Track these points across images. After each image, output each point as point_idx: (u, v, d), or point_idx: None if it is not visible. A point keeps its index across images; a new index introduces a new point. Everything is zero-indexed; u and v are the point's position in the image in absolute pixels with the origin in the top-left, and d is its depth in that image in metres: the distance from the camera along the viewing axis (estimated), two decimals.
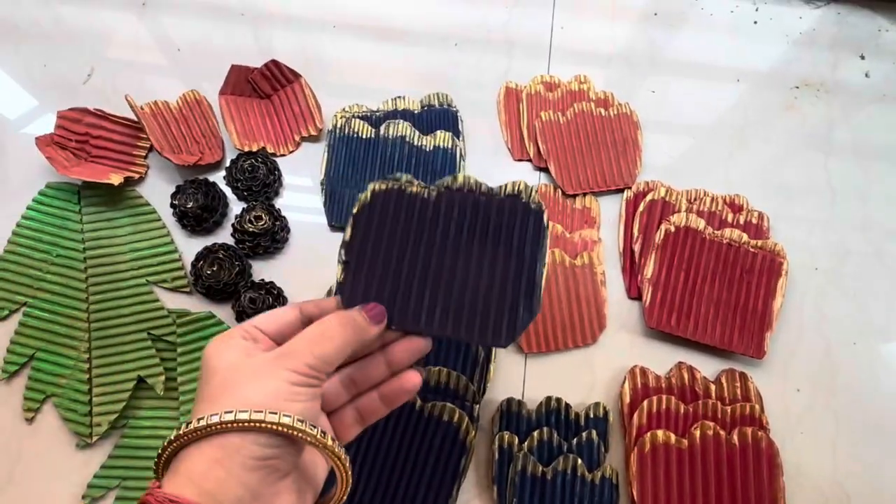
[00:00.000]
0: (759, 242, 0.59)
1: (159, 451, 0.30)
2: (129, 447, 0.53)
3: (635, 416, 0.52)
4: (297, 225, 0.61)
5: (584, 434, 0.52)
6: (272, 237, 0.58)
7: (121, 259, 0.58)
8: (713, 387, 0.54)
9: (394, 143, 0.63)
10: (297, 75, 0.65)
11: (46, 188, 0.60)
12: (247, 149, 0.62)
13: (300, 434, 0.30)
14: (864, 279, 0.60)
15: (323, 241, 0.60)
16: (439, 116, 0.65)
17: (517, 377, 0.56)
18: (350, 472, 0.33)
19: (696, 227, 0.59)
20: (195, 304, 0.57)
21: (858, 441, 0.54)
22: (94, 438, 0.52)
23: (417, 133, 0.63)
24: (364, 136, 0.63)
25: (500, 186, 0.41)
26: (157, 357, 0.55)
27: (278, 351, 0.32)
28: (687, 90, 0.69)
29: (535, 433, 0.51)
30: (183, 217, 0.58)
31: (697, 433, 0.51)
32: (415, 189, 0.42)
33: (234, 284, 0.56)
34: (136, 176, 0.61)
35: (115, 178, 0.58)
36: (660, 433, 0.51)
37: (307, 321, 0.36)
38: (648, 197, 0.61)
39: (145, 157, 0.63)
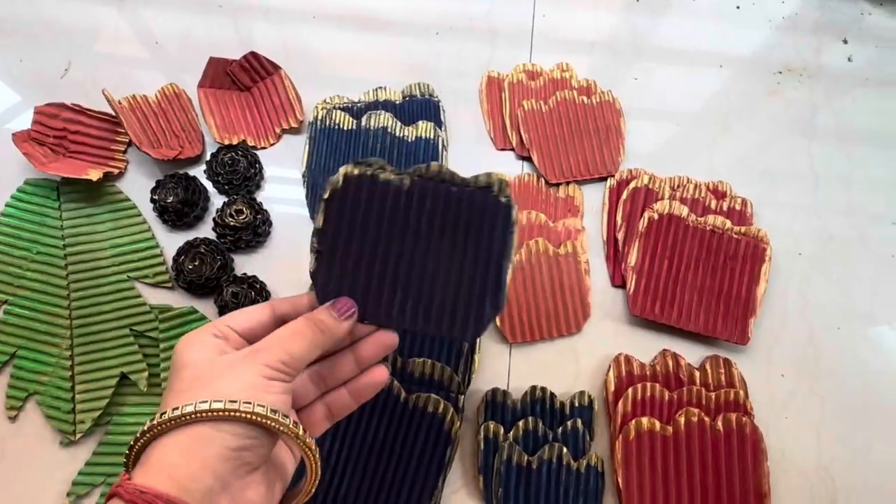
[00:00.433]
0: (743, 229, 0.59)
1: (130, 443, 0.30)
2: (113, 444, 0.52)
3: (620, 403, 0.52)
4: (280, 218, 0.60)
5: (569, 423, 0.51)
6: (254, 231, 0.57)
7: (101, 255, 0.57)
8: (697, 373, 0.54)
9: (375, 134, 0.63)
10: (276, 67, 0.64)
11: (25, 185, 0.59)
12: (227, 142, 0.61)
13: (274, 424, 0.30)
14: (847, 264, 0.60)
15: (306, 233, 0.57)
16: (421, 106, 0.64)
17: (502, 367, 0.55)
18: (320, 465, 0.33)
19: (680, 214, 0.59)
20: (177, 300, 0.57)
21: (843, 426, 0.54)
22: (78, 436, 0.52)
23: (399, 123, 0.62)
24: (345, 128, 0.63)
25: (474, 177, 0.41)
26: (140, 353, 0.54)
27: (251, 348, 0.33)
28: (670, 77, 0.69)
29: (521, 423, 0.51)
30: (163, 212, 0.58)
31: (682, 420, 0.51)
32: (388, 176, 0.40)
33: (216, 279, 0.55)
34: (116, 171, 0.60)
35: (94, 174, 0.57)
36: (644, 420, 0.51)
37: (280, 321, 0.36)
38: (631, 185, 0.61)
39: (124, 152, 0.62)
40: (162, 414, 0.29)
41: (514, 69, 0.68)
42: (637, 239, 0.58)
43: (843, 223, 0.62)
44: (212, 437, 0.29)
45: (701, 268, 0.58)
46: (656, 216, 0.59)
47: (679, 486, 0.50)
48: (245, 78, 0.64)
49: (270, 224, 0.60)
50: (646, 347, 0.56)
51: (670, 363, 0.55)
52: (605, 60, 0.69)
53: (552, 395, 0.53)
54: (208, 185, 0.61)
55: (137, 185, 0.60)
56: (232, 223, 0.56)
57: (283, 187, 0.62)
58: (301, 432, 0.31)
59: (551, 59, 0.69)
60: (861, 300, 0.59)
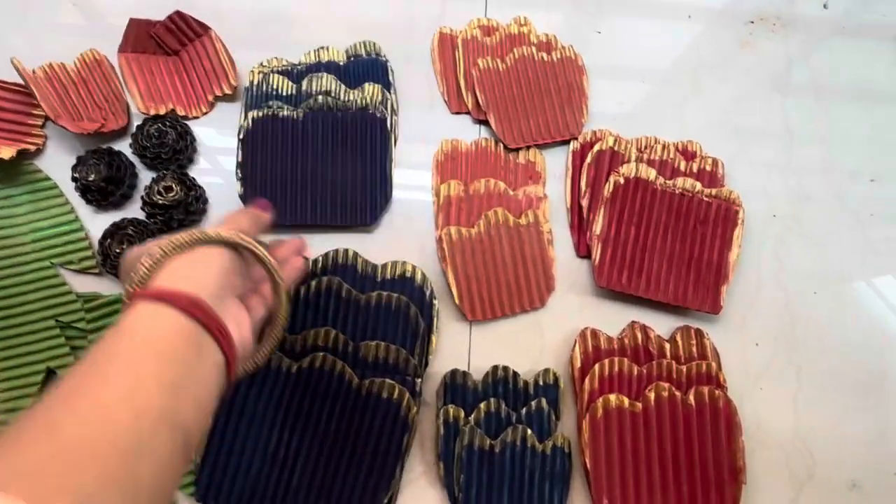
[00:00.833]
0: (714, 191, 0.55)
1: (145, 267, 0.33)
2: None
3: (587, 380, 0.50)
4: (216, 194, 0.56)
5: (533, 403, 0.49)
6: (186, 209, 0.53)
7: (21, 240, 0.53)
8: (668, 346, 0.52)
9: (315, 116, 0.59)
10: (205, 28, 0.59)
11: None
12: (153, 112, 0.57)
13: (247, 244, 0.36)
14: (824, 224, 0.57)
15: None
16: (367, 67, 0.60)
17: (462, 347, 0.52)
18: (285, 285, 0.39)
19: (647, 177, 0.55)
20: (106, 287, 0.53)
21: (820, 395, 0.52)
22: None
23: (343, 87, 0.58)
24: (284, 93, 0.58)
25: (352, 101, 0.56)
26: (68, 346, 0.50)
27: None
28: (636, 30, 0.65)
29: (482, 405, 0.48)
30: (86, 191, 0.53)
31: (652, 395, 0.49)
32: (285, 112, 0.56)
33: None
34: (33, 148, 0.56)
35: (7, 152, 0.53)
36: (612, 397, 0.49)
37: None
38: (596, 147, 0.57)
39: (42, 127, 0.57)
40: (170, 242, 0.34)
41: (468, 25, 0.64)
42: (602, 205, 0.55)
43: (819, 182, 0.59)
44: (212, 255, 0.35)
45: (670, 234, 0.54)
46: (622, 180, 0.55)
47: (650, 465, 0.48)
48: (171, 41, 0.59)
49: (205, 201, 0.55)
50: (613, 320, 0.53)
51: (639, 336, 0.52)
52: (566, 13, 0.65)
53: (515, 374, 0.50)
54: (136, 160, 0.56)
55: (58, 163, 0.56)
56: (161, 201, 0.52)
57: (219, 160, 0.57)
58: (264, 253, 0.37)
59: (508, 13, 0.65)
60: (839, 262, 0.56)
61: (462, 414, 0.48)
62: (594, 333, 0.52)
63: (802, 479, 0.49)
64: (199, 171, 0.57)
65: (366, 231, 0.55)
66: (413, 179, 0.57)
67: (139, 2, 0.62)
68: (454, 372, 0.50)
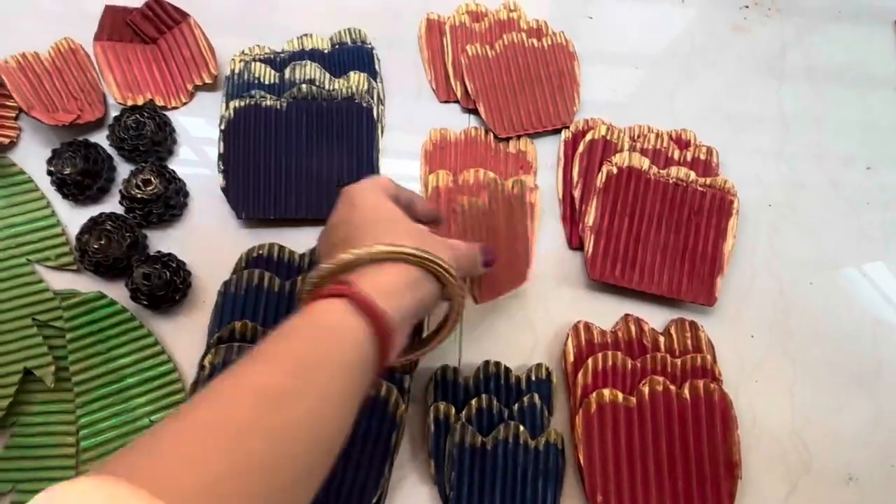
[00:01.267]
0: (708, 180, 0.54)
1: (352, 256, 0.33)
2: (20, 447, 0.47)
3: (580, 375, 0.49)
4: (197, 187, 0.54)
5: (525, 399, 0.48)
6: (165, 203, 0.51)
7: None
8: (662, 339, 0.51)
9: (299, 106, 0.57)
10: (184, 14, 0.57)
11: None
12: (130, 102, 0.55)
13: (460, 291, 0.37)
14: (819, 213, 0.57)
15: (226, 202, 0.53)
16: (352, 55, 0.58)
17: (452, 342, 0.51)
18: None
19: (640, 166, 0.54)
20: (84, 284, 0.51)
21: (817, 386, 0.51)
22: None
23: (328, 75, 0.56)
24: (267, 82, 0.56)
25: (338, 90, 0.54)
26: (45, 345, 0.49)
27: (443, 239, 0.38)
28: (628, 14, 0.64)
29: (473, 401, 0.47)
30: (62, 185, 0.51)
31: (646, 389, 0.48)
32: (268, 102, 0.54)
33: (125, 259, 0.49)
34: (6, 141, 0.54)
35: None
36: (606, 392, 0.48)
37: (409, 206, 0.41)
38: (588, 136, 0.56)
39: (16, 119, 0.55)
40: (393, 245, 0.34)
41: (457, 10, 0.62)
42: (595, 196, 0.53)
43: (814, 169, 0.58)
44: (423, 283, 0.35)
45: (664, 225, 0.53)
46: (615, 170, 0.54)
47: (645, 461, 0.47)
48: (149, 28, 0.57)
49: (186, 194, 0.53)
50: (606, 313, 0.52)
51: (633, 329, 0.51)
52: None
53: (507, 369, 0.49)
54: (113, 152, 0.54)
55: (33, 156, 0.54)
56: (139, 195, 0.50)
57: (199, 151, 0.56)
58: (466, 301, 0.38)
59: None
60: (834, 251, 0.55)
61: (453, 411, 0.47)
62: (587, 327, 0.51)
63: (799, 472, 0.48)
64: (180, 163, 0.55)
65: None
66: (401, 170, 0.56)
67: None
68: (444, 368, 0.49)
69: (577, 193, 0.55)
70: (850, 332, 0.53)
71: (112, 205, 0.53)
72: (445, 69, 0.59)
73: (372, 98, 0.56)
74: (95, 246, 0.49)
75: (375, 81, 0.57)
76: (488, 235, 0.49)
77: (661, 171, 0.54)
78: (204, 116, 0.57)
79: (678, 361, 0.49)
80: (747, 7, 0.64)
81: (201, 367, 0.45)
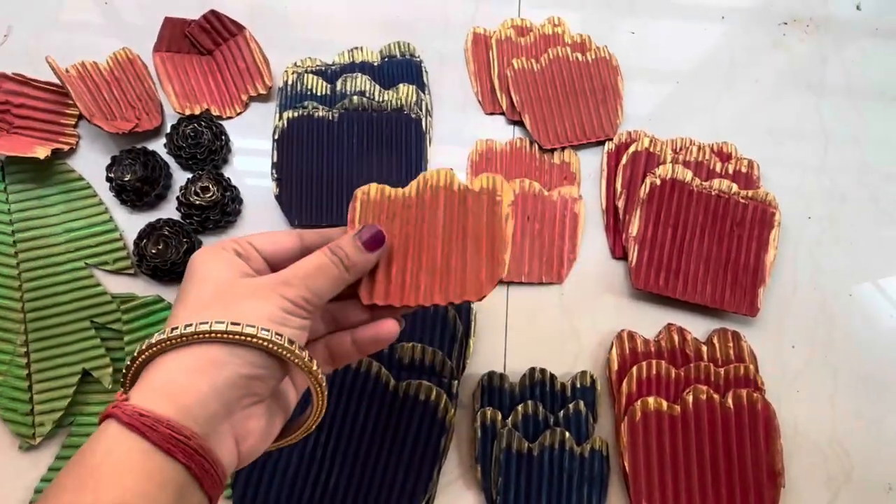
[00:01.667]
0: (750, 192, 0.55)
1: (130, 359, 0.28)
2: (76, 447, 0.48)
3: (624, 383, 0.49)
4: (250, 194, 0.56)
5: (570, 405, 0.49)
6: (222, 210, 0.52)
7: (55, 241, 0.52)
8: (705, 348, 0.51)
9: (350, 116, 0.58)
10: (240, 27, 0.58)
11: None
12: (188, 112, 0.56)
13: (290, 356, 0.29)
14: (859, 226, 0.57)
15: (278, 210, 0.55)
16: (401, 68, 0.59)
17: (498, 349, 0.52)
18: (326, 402, 0.33)
19: (683, 178, 0.55)
20: (141, 287, 0.52)
21: (857, 396, 0.52)
22: (38, 439, 0.48)
23: (378, 87, 0.58)
24: (319, 93, 0.57)
25: (387, 101, 0.56)
26: (103, 347, 0.50)
27: (274, 277, 0.31)
28: (669, 30, 0.64)
29: (520, 407, 0.48)
30: (121, 191, 0.53)
31: (690, 398, 0.49)
32: (320, 113, 0.56)
33: (182, 264, 0.51)
34: (66, 147, 0.55)
35: (42, 152, 0.52)
36: (651, 400, 0.48)
37: (306, 250, 0.34)
38: (631, 148, 0.57)
39: (75, 126, 0.57)
40: (173, 329, 0.27)
41: (502, 25, 0.63)
42: (638, 207, 0.54)
43: (854, 183, 0.59)
44: (224, 362, 0.27)
45: (707, 236, 0.54)
46: (658, 182, 0.55)
47: (689, 468, 0.47)
48: (206, 40, 0.58)
49: (240, 201, 0.55)
50: (650, 322, 0.53)
51: (676, 338, 0.52)
52: (600, 13, 0.65)
53: (552, 376, 0.50)
54: (170, 160, 0.56)
55: (91, 163, 0.55)
56: (197, 202, 0.51)
57: (253, 160, 0.57)
58: (315, 367, 0.30)
59: (542, 14, 0.64)
60: (874, 264, 0.56)
61: (499, 416, 0.48)
62: (631, 336, 0.51)
63: (840, 481, 0.49)
64: (233, 172, 0.56)
65: None
66: None
67: (172, 1, 0.62)
68: (491, 374, 0.50)
69: (620, 204, 0.56)
70: (889, 342, 0.53)
71: (168, 211, 0.55)
72: (491, 82, 0.60)
73: (420, 109, 0.57)
74: (153, 251, 0.50)
75: (424, 93, 0.58)
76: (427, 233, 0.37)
77: (703, 182, 0.55)
78: (257, 126, 0.58)
79: (721, 371, 0.50)
80: (786, 24, 0.65)
81: None
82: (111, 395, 0.49)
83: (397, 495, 0.46)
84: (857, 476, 0.49)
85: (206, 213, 0.52)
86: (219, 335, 0.27)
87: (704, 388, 0.49)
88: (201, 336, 0.27)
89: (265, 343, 0.28)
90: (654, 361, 0.50)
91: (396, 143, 0.56)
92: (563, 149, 0.58)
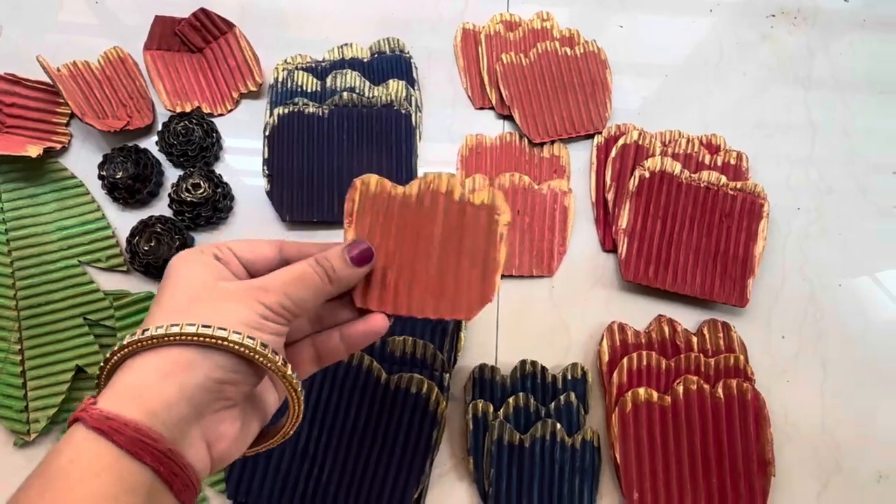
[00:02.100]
0: (739, 184, 0.55)
1: (103, 362, 0.28)
2: None
3: (615, 374, 0.50)
4: (242, 191, 0.56)
5: (562, 397, 0.49)
6: (214, 206, 0.53)
7: (48, 239, 0.53)
8: (695, 339, 0.52)
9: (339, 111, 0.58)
10: (230, 25, 0.59)
11: None
12: (179, 110, 0.57)
13: (262, 360, 0.28)
14: (848, 217, 0.57)
15: (270, 206, 0.55)
16: (391, 64, 0.59)
17: (489, 342, 0.52)
18: (303, 407, 0.32)
19: (672, 171, 0.55)
20: (134, 284, 0.53)
21: (847, 386, 0.52)
22: (33, 436, 0.48)
23: (368, 83, 0.58)
24: (309, 90, 0.58)
25: (377, 97, 0.56)
26: (96, 344, 0.51)
27: (253, 283, 0.31)
28: (657, 24, 0.65)
29: (511, 399, 0.48)
30: (113, 189, 0.53)
31: (680, 389, 0.49)
32: (311, 109, 0.56)
33: None
34: (58, 146, 0.56)
35: (34, 150, 0.52)
36: (641, 391, 0.49)
37: (284, 262, 0.34)
38: (620, 141, 0.57)
39: (67, 125, 0.57)
40: (144, 330, 0.27)
41: (491, 20, 0.63)
42: (628, 199, 0.55)
43: (842, 175, 0.59)
44: (195, 364, 0.27)
45: (696, 227, 0.54)
46: (647, 174, 0.55)
47: (679, 458, 0.48)
48: (196, 38, 0.58)
49: (232, 198, 0.55)
50: (640, 314, 0.53)
51: (666, 329, 0.52)
52: (588, 7, 0.65)
53: (543, 368, 0.50)
54: (161, 157, 0.56)
55: (83, 161, 0.56)
56: (189, 199, 0.52)
57: (244, 157, 0.57)
58: (289, 372, 0.30)
59: (530, 9, 0.64)
60: (862, 254, 0.56)
61: (491, 409, 0.48)
62: (621, 327, 0.52)
63: (830, 471, 0.49)
64: (225, 169, 0.57)
65: None
66: None
67: (162, 0, 0.62)
68: (482, 367, 0.50)
69: (609, 197, 0.56)
70: (879, 333, 0.54)
71: (160, 208, 0.55)
72: (481, 77, 0.60)
73: (410, 105, 0.57)
74: (146, 248, 0.51)
75: (413, 89, 0.59)
76: (418, 242, 0.37)
77: (692, 174, 0.55)
78: (248, 123, 0.58)
79: (711, 361, 0.50)
80: (773, 16, 0.65)
81: None
82: None
83: (390, 488, 0.46)
84: (846, 465, 0.49)
85: (198, 210, 0.52)
86: (189, 337, 0.27)
87: (695, 378, 0.49)
88: (172, 338, 0.27)
89: (236, 346, 0.27)
90: (644, 353, 0.50)
91: (387, 138, 0.56)
92: (552, 142, 0.58)
